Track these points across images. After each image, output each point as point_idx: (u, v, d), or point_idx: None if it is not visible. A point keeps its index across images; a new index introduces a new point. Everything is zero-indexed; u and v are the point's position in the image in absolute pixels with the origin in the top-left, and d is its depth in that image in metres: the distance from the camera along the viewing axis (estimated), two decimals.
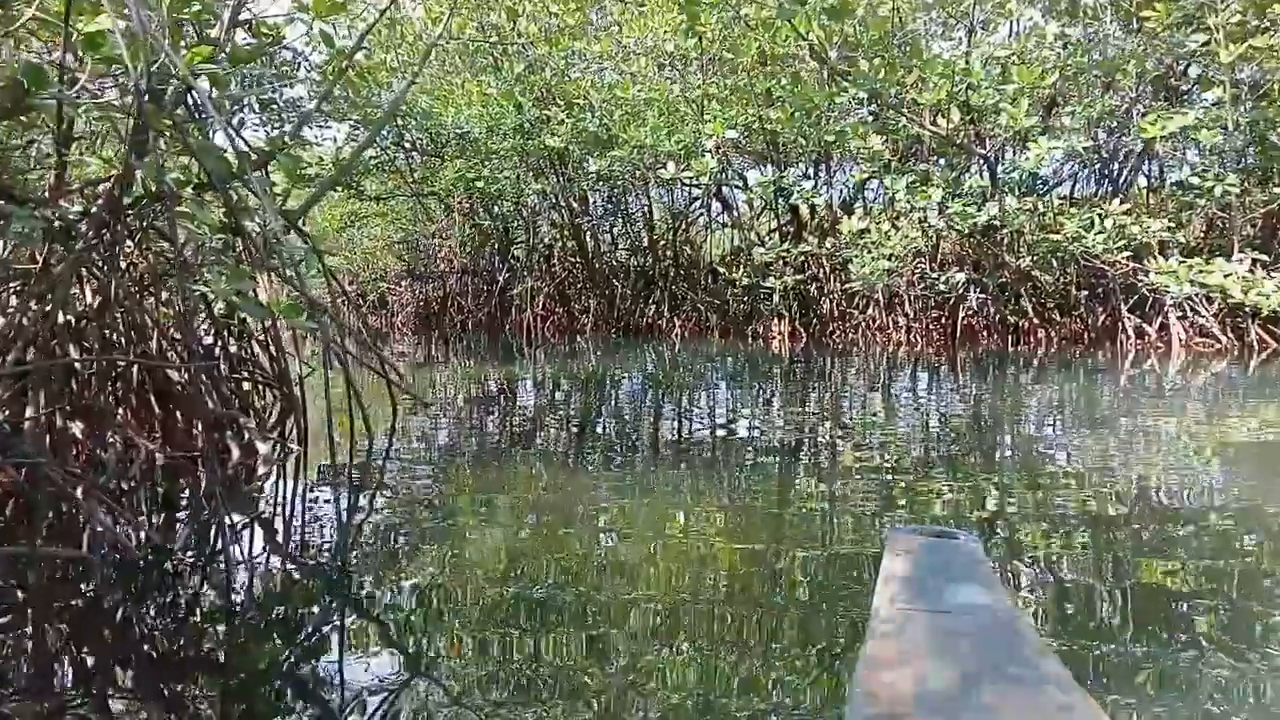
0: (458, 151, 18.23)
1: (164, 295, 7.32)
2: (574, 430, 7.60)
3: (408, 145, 20.41)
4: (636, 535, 4.34)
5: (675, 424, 8.13)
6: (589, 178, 17.71)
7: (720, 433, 7.57)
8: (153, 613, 3.47)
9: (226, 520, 4.88)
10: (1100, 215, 12.48)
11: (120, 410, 6.38)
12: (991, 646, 2.20)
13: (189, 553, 4.38)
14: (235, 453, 6.25)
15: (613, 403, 9.64)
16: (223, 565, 4.16)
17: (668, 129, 14.84)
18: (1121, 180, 15.74)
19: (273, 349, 7.90)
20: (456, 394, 10.42)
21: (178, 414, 6.58)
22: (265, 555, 4.38)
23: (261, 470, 6.09)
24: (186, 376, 6.46)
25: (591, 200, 20.76)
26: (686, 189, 20.32)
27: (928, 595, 2.53)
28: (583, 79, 15.69)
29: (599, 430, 7.68)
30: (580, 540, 4.28)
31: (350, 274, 27.33)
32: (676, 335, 19.35)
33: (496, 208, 21.34)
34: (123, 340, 6.44)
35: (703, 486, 5.34)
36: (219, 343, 7.57)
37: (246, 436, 6.29)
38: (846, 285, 16.88)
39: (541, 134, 16.41)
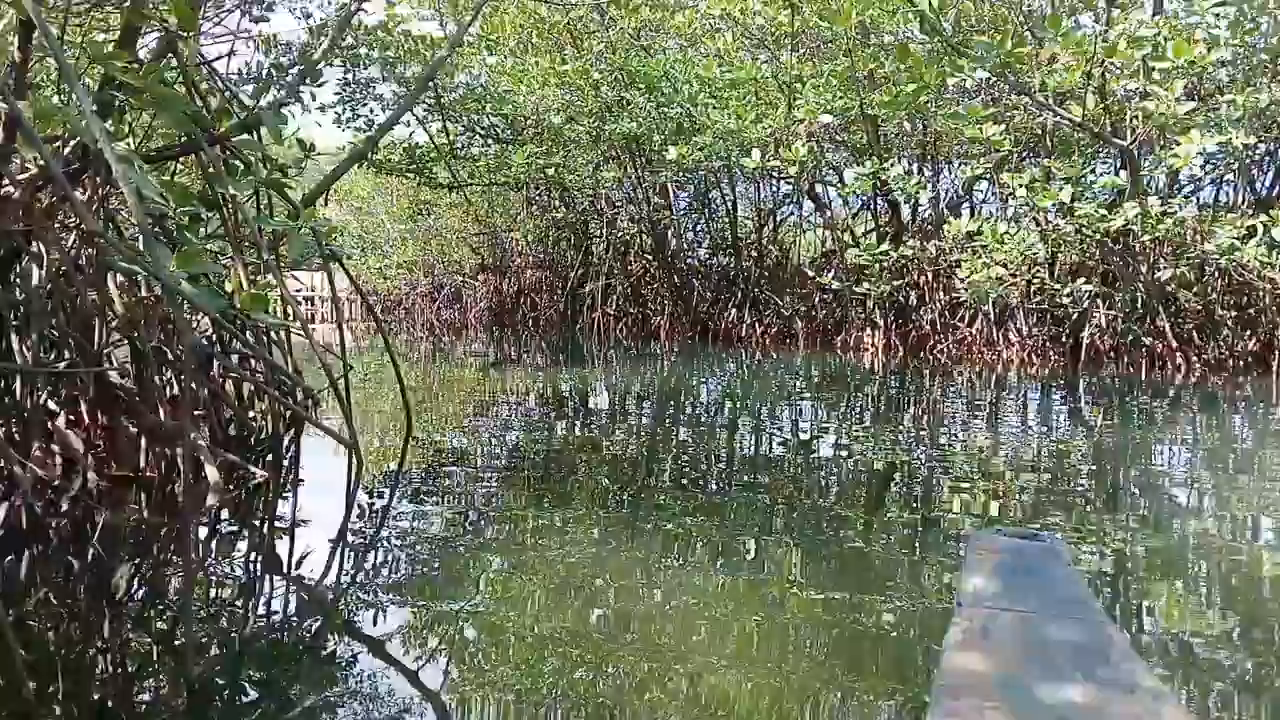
0: (531, 137, 17.07)
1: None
2: (641, 451, 6.93)
3: (481, 131, 19.31)
4: (692, 579, 3.86)
5: (752, 443, 7.56)
6: (668, 167, 16.27)
7: (801, 456, 6.90)
8: None
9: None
10: (1269, 222, 10.51)
11: (60, 418, 5.23)
12: (1079, 650, 2.18)
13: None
14: (183, 474, 5.03)
15: (685, 416, 9.07)
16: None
17: (755, 114, 13.34)
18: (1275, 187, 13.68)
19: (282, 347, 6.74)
20: (516, 405, 9.70)
21: (129, 425, 5.40)
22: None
23: (210, 500, 4.84)
24: (128, 381, 5.27)
25: (672, 194, 19.33)
26: (775, 184, 18.80)
27: (1012, 595, 2.49)
28: (663, 57, 14.26)
29: (668, 450, 7.01)
30: (641, 589, 3.72)
31: (425, 265, 26.52)
32: (757, 342, 17.83)
33: (572, 199, 20.09)
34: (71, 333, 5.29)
35: (779, 523, 4.85)
36: (217, 338, 6.41)
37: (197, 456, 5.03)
38: (951, 294, 15.13)
39: (619, 118, 15.07)
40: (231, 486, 5.16)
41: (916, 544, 4.44)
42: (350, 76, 18.58)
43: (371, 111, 19.13)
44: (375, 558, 4.20)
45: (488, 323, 24.16)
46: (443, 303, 26.10)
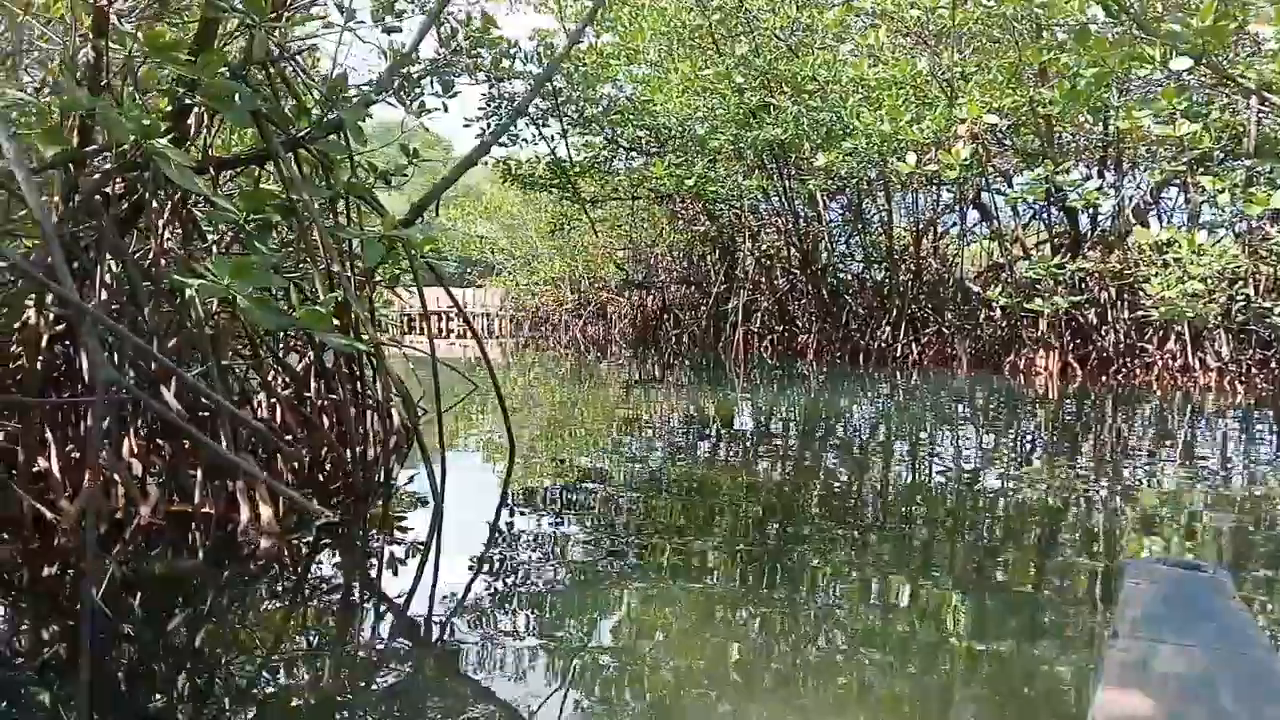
0: (672, 147, 16.41)
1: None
2: (787, 479, 6.53)
3: (624, 144, 18.80)
4: (839, 621, 3.61)
5: (908, 473, 7.02)
6: (817, 175, 15.26)
7: (964, 488, 6.37)
8: None
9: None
10: None
11: (121, 445, 4.81)
12: (1245, 685, 2.06)
13: None
14: (244, 511, 4.50)
15: (834, 442, 8.56)
16: None
17: (911, 114, 12.20)
18: None
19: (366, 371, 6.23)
20: (657, 426, 9.42)
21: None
22: None
23: (264, 544, 4.29)
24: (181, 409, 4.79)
25: (822, 204, 18.25)
26: (935, 192, 17.43)
27: (1172, 627, 2.38)
28: (811, 55, 13.29)
29: (815, 478, 6.63)
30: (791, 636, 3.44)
31: (571, 281, 26.33)
32: (914, 363, 16.52)
33: (717, 212, 19.32)
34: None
35: (937, 562, 4.50)
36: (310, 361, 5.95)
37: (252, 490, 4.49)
38: (1138, 312, 13.48)
39: (762, 124, 14.19)
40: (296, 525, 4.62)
41: (1095, 591, 4.05)
42: (495, 90, 18.56)
43: (517, 126, 19.09)
44: (501, 582, 4.06)
45: (631, 339, 23.69)
46: (588, 319, 25.83)
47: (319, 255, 5.03)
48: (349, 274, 5.48)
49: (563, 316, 26.88)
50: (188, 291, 4.06)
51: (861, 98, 13.17)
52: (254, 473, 4.42)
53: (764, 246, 19.70)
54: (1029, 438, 9.13)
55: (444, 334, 30.83)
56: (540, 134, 18.33)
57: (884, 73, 12.62)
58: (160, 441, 4.87)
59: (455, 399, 7.44)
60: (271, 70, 5.40)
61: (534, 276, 26.47)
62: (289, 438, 5.77)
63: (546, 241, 25.78)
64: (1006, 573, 4.35)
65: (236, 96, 4.42)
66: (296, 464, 5.41)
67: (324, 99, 5.16)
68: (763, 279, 19.65)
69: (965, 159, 11.10)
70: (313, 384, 5.92)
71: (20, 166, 3.25)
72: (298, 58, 6.05)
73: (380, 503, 5.45)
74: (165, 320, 5.07)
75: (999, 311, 15.84)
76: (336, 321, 5.12)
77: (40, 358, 4.52)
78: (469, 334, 29.63)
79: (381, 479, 5.78)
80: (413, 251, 5.79)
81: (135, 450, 4.78)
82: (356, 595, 3.98)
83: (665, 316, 22.31)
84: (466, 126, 18.14)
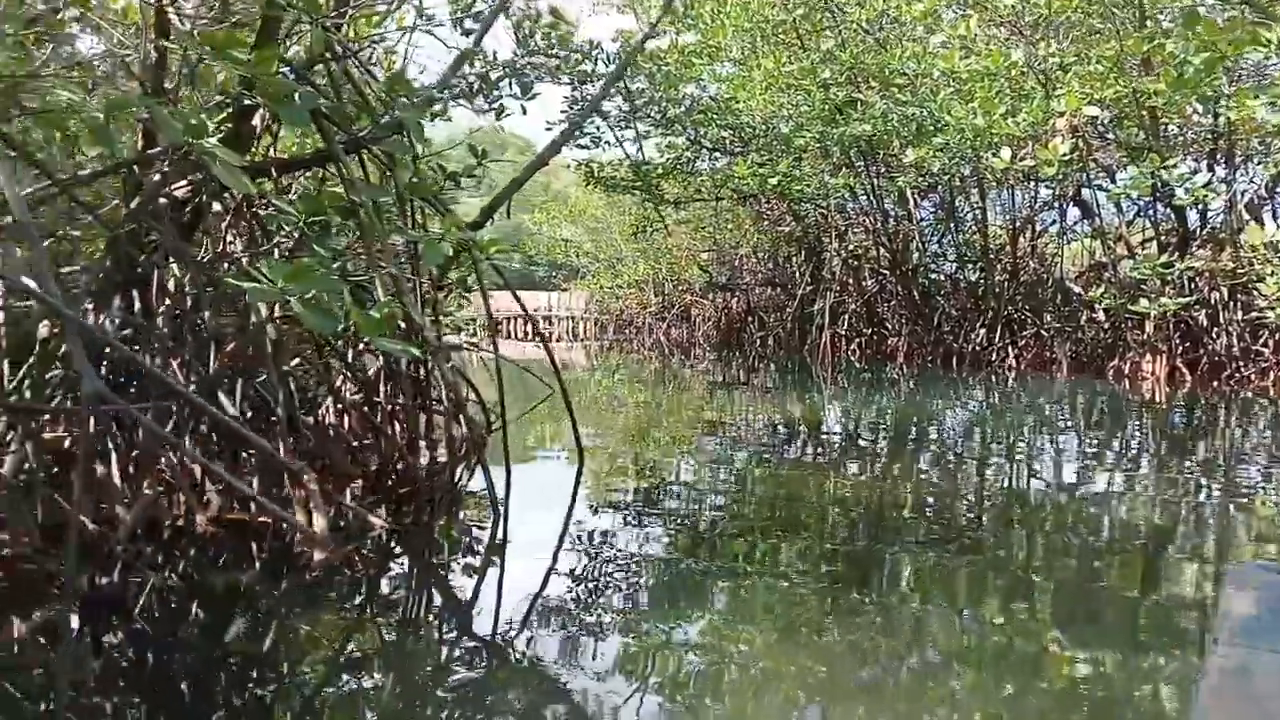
0: (756, 146, 16.07)
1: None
2: (878, 484, 6.33)
3: (708, 144, 18.53)
4: (932, 629, 3.46)
5: (1006, 480, 6.73)
6: (906, 172, 14.74)
7: (1065, 496, 6.12)
8: None
9: None
10: None
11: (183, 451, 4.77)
12: None
13: None
14: (301, 518, 4.40)
15: (927, 448, 8.23)
16: None
17: (1006, 107, 11.65)
18: None
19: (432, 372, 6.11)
20: (742, 430, 9.22)
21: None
22: None
23: (317, 557, 4.18)
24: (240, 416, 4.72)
25: (912, 202, 17.65)
26: (1033, 189, 16.70)
27: (1274, 634, 2.29)
28: (900, 48, 12.82)
29: (907, 483, 6.39)
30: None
31: (655, 284, 26.16)
32: (1010, 367, 15.83)
33: (803, 212, 18.89)
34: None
35: (1037, 571, 4.28)
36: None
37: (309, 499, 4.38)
38: (1252, 314, 12.65)
39: (849, 120, 13.77)
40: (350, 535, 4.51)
41: (1200, 598, 3.88)
42: (577, 93, 18.46)
43: (598, 129, 18.99)
44: (584, 587, 3.98)
45: (716, 342, 23.39)
46: (672, 321, 25.61)
47: (379, 259, 4.92)
48: (414, 277, 5.35)
49: (647, 319, 26.73)
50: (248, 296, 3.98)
51: (953, 91, 12.64)
52: (300, 476, 4.31)
53: (851, 247, 19.18)
54: (1134, 445, 8.66)
55: (530, 337, 31.06)
56: (618, 137, 18.33)
57: (977, 64, 12.08)
58: (220, 447, 4.82)
59: (530, 405, 7.39)
60: (334, 69, 5.32)
61: (618, 279, 26.38)
62: (356, 443, 5.71)
63: (630, 244, 25.67)
64: (1109, 580, 4.18)
65: (296, 96, 4.34)
66: (364, 470, 5.33)
67: (384, 98, 5.04)
68: (850, 280, 19.14)
69: (1064, 154, 10.55)
70: (382, 389, 5.83)
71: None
72: (362, 55, 5.95)
73: (448, 510, 5.32)
74: (232, 325, 5.03)
75: (1101, 313, 15.07)
76: (401, 325, 5.01)
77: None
78: (554, 337, 29.82)
79: (450, 484, 5.66)
80: (478, 254, 5.66)
81: (193, 457, 4.74)
82: (416, 604, 3.86)
83: (750, 319, 21.95)
84: (549, 129, 18.13)
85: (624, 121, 18.77)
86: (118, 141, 3.92)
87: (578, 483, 6.04)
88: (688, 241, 23.84)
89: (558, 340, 28.76)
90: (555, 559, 4.41)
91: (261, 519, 4.50)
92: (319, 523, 4.25)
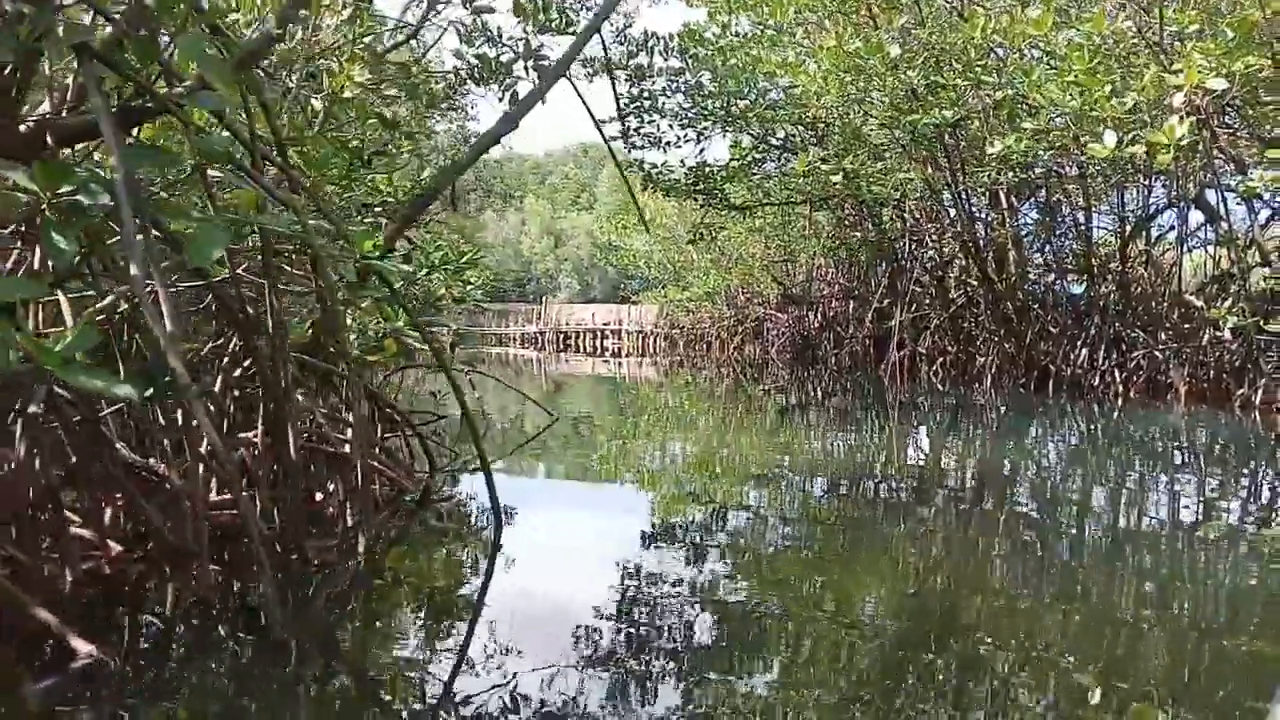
0: (832, 144, 14.42)
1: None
2: (965, 522, 5.78)
3: (775, 143, 16.93)
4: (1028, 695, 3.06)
5: (1112, 526, 5.92)
6: (993, 167, 12.83)
7: (1183, 545, 5.40)
8: None
9: None
10: None
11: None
12: None
13: None
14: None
15: (1020, 483, 7.41)
16: None
17: (1110, 85, 9.76)
18: None
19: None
20: (814, 458, 8.57)
21: None
22: None
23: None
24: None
25: (1005, 203, 15.66)
26: (1145, 188, 14.57)
27: None
28: (985, 21, 11.00)
29: (999, 522, 5.81)
30: None
31: (727, 296, 24.57)
32: (1117, 394, 13.72)
33: (881, 216, 17.06)
34: None
35: (1154, 632, 3.70)
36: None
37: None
38: None
39: (927, 105, 12.02)
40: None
41: None
42: (634, 90, 17.02)
43: (658, 128, 17.49)
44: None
45: (789, 360, 21.65)
46: (744, 336, 23.97)
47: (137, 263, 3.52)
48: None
49: (719, 334, 25.17)
50: None
51: (1047, 69, 10.78)
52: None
53: (935, 255, 17.25)
54: (1268, 492, 7.19)
55: (599, 352, 29.84)
56: (679, 137, 16.85)
57: (1077, 36, 10.21)
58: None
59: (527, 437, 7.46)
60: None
61: (686, 292, 24.87)
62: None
63: (703, 255, 24.16)
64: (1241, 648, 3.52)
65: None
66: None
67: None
68: (934, 292, 17.18)
69: (1182, 137, 8.64)
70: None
71: None
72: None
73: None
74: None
75: (1228, 333, 12.87)
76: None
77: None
78: (622, 353, 28.49)
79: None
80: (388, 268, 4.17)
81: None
82: None
83: (824, 334, 20.18)
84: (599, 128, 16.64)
85: (685, 120, 17.34)
86: None
87: (490, 570, 4.50)
88: (760, 251, 22.22)
89: (626, 356, 27.43)
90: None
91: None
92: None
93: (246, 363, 4.33)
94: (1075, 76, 10.08)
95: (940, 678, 3.17)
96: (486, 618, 3.70)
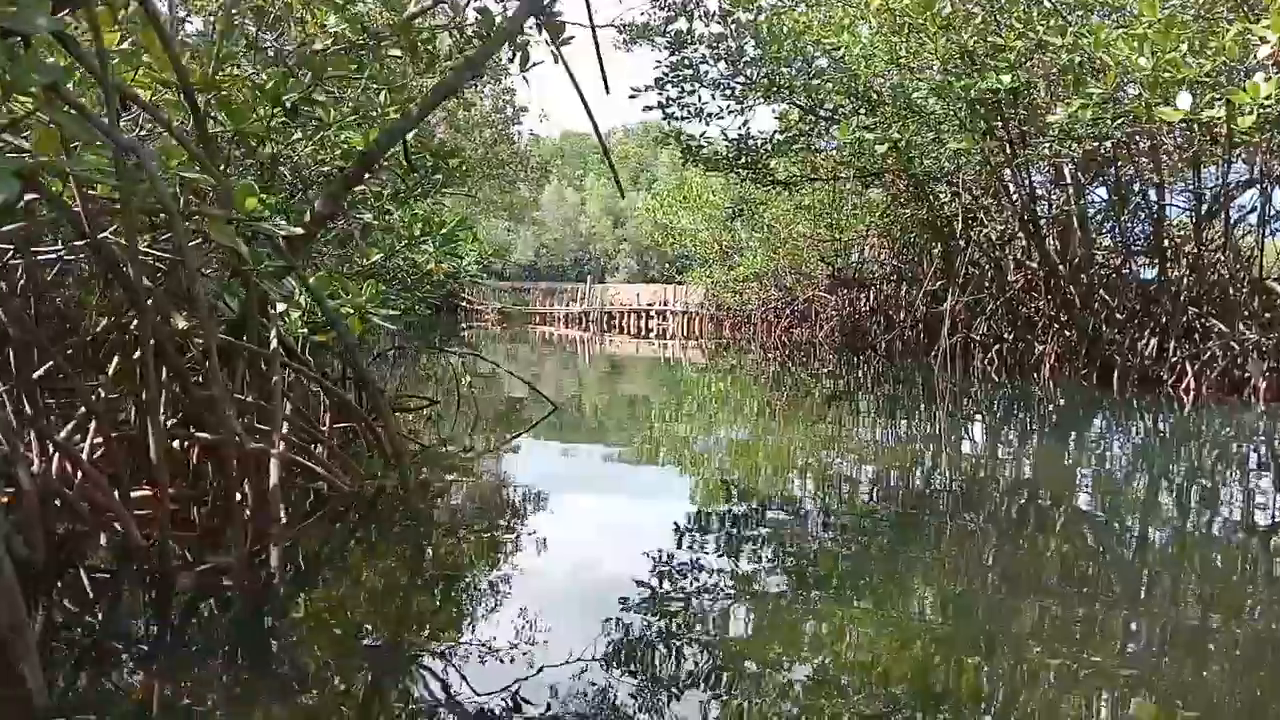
0: (884, 115, 13.43)
1: None
2: (1011, 529, 5.39)
3: (824, 114, 15.95)
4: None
5: (1181, 536, 5.45)
6: (1054, 139, 11.76)
7: (1262, 556, 4.91)
8: None
9: None
10: None
11: None
12: None
13: None
14: None
15: (1079, 486, 6.87)
16: None
17: (1184, 39, 8.71)
18: None
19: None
20: (859, 451, 8.13)
21: None
22: None
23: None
24: None
25: (1070, 180, 14.51)
26: (1225, 164, 13.35)
27: None
28: None
29: (1052, 528, 5.36)
30: None
31: (775, 277, 23.64)
32: (1188, 388, 12.59)
33: (935, 191, 16.01)
34: None
35: (1228, 659, 3.38)
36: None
37: None
38: None
39: (984, 70, 11.04)
40: None
41: None
42: (673, 58, 16.16)
43: (700, 99, 16.59)
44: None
45: (838, 344, 20.70)
46: (792, 320, 23.03)
47: None
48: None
49: (767, 316, 24.27)
50: None
51: (1116, 26, 9.72)
52: None
53: (991, 234, 16.16)
54: None
55: (643, 333, 29.12)
56: (721, 108, 15.99)
57: None
58: None
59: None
60: None
61: (733, 272, 23.98)
62: None
63: (751, 234, 23.24)
64: None
65: None
66: None
67: None
68: (991, 274, 16.10)
69: (1267, 95, 7.59)
70: None
71: None
72: None
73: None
74: None
75: None
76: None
77: None
78: (667, 334, 27.75)
79: None
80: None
81: None
82: None
83: (874, 319, 19.20)
84: (633, 98, 15.95)
85: (730, 89, 16.42)
86: None
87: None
88: (811, 230, 21.25)
89: (670, 338, 26.64)
90: None
91: None
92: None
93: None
94: (1147, 32, 9.03)
95: (987, 686, 3.05)
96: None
